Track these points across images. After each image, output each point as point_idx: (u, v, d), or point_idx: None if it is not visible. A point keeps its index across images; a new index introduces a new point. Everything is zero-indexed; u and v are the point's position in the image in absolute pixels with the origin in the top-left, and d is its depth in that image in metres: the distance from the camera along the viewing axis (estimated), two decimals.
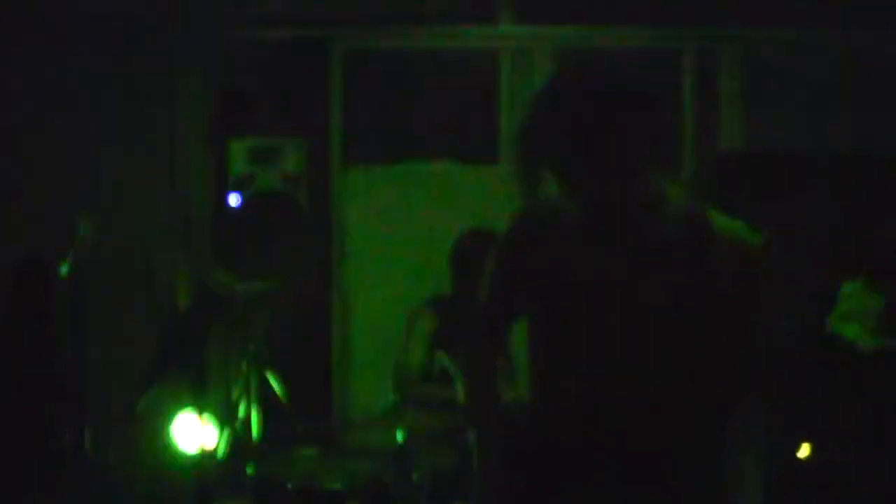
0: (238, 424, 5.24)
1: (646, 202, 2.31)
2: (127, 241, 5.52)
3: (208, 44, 5.72)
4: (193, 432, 4.47)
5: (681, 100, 5.80)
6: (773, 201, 5.04)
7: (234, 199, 5.32)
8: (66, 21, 5.55)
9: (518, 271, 2.45)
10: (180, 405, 4.40)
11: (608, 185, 2.28)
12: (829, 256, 4.91)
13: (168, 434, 4.84)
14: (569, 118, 2.25)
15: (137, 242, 5.58)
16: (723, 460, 2.33)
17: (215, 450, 5.02)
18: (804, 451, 4.13)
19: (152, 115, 5.66)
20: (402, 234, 5.68)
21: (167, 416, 4.75)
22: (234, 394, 5.27)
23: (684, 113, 5.78)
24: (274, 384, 5.26)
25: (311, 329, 5.74)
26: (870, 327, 4.75)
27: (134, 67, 5.58)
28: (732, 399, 2.37)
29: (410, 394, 3.82)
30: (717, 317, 2.30)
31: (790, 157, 5.32)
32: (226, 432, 5.16)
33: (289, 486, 3.68)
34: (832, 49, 5.78)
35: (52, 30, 5.55)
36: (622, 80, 2.27)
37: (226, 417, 5.20)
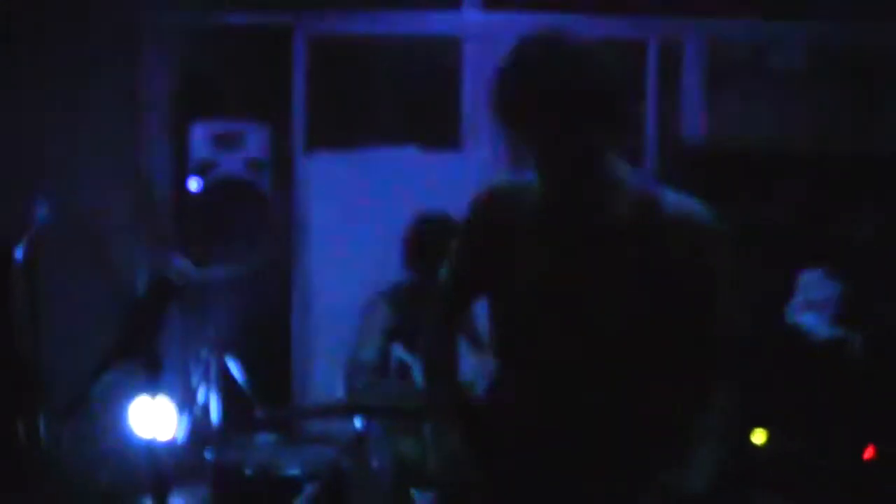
0: (197, 410, 5.23)
1: (604, 182, 2.31)
2: (85, 227, 5.46)
3: (170, 27, 5.67)
4: (150, 418, 4.44)
5: (645, 90, 5.81)
6: (736, 192, 5.07)
7: (194, 184, 5.29)
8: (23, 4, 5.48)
9: (479, 249, 2.46)
10: (136, 391, 4.37)
11: (569, 162, 2.27)
12: (788, 247, 4.94)
13: (124, 420, 4.81)
14: (534, 91, 2.22)
15: (96, 227, 5.52)
16: (678, 441, 2.34)
17: (174, 436, 5.00)
18: (759, 437, 4.17)
19: (113, 98, 5.60)
20: (366, 221, 5.66)
21: (123, 402, 4.72)
22: (194, 380, 5.25)
23: (647, 103, 5.79)
24: (234, 371, 5.25)
25: (272, 316, 5.71)
26: (828, 317, 4.79)
27: (93, 50, 5.51)
28: (689, 380, 2.38)
29: (364, 387, 3.78)
30: (671, 296, 2.31)
31: (752, 149, 5.36)
32: (185, 418, 5.14)
33: (247, 472, 3.66)
34: (795, 41, 5.81)
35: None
36: (588, 57, 2.25)
37: (185, 403, 5.18)
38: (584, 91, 2.20)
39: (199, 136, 5.39)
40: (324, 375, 5.48)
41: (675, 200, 2.34)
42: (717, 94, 5.78)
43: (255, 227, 5.26)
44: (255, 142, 5.42)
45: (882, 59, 5.79)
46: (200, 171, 5.34)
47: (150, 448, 3.20)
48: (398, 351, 3.94)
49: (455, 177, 5.48)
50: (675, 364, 2.37)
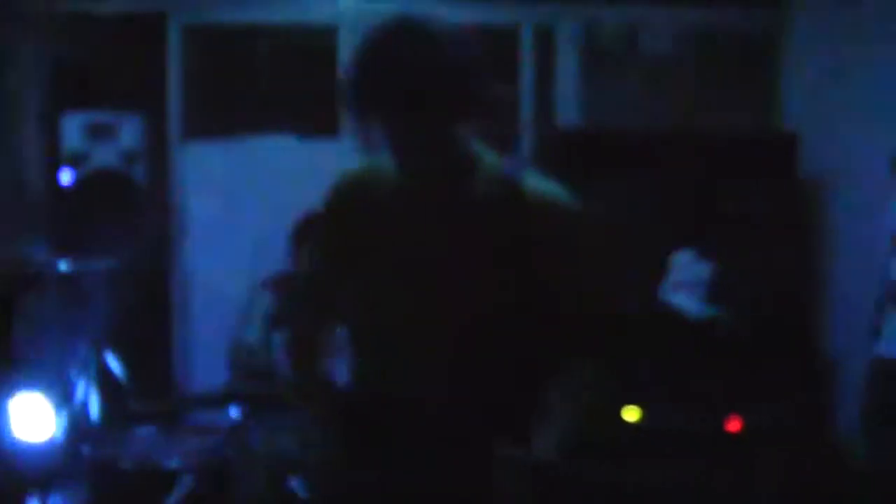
0: (76, 406, 5.14)
1: (459, 165, 2.34)
2: None
3: (41, 15, 5.55)
4: (25, 416, 4.37)
5: (518, 76, 5.87)
6: (609, 177, 5.16)
7: (66, 177, 5.20)
8: None
9: (338, 240, 2.47)
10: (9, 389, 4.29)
11: (420, 145, 2.29)
12: (662, 228, 5.05)
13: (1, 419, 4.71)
14: (389, 75, 2.24)
15: None
16: (534, 417, 2.38)
17: (52, 433, 4.91)
18: (632, 413, 4.27)
19: None
20: (243, 210, 5.63)
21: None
22: (72, 375, 5.16)
23: (522, 89, 5.86)
24: (113, 364, 5.17)
25: (151, 307, 5.65)
26: (699, 296, 4.92)
27: None
28: (545, 360, 2.42)
29: (246, 374, 3.79)
30: (528, 276, 2.34)
31: (626, 133, 5.45)
32: (63, 414, 5.06)
33: (124, 466, 3.63)
34: (667, 27, 5.93)
35: None
36: (440, 39, 2.27)
37: (63, 399, 5.09)
38: (434, 73, 2.22)
39: (71, 127, 5.29)
40: (204, 366, 5.45)
41: (533, 182, 2.37)
42: (590, 79, 5.87)
43: (129, 219, 5.19)
44: (129, 132, 5.35)
45: (745, 42, 5.95)
46: (73, 163, 5.25)
47: (27, 447, 3.16)
48: (279, 339, 3.95)
49: (334, 164, 5.46)
50: (534, 343, 2.41)
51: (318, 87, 5.89)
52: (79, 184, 5.23)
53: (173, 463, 3.62)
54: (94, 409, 5.17)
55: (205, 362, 5.46)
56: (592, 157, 5.14)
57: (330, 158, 5.76)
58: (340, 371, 2.96)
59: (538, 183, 2.38)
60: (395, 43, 2.26)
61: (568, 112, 5.84)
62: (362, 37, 2.32)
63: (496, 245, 2.33)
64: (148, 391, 5.14)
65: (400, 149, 2.31)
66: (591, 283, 2.43)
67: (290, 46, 5.94)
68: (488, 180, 2.35)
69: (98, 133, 5.29)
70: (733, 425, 4.31)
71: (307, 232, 4.03)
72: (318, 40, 5.90)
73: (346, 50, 5.81)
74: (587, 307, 2.42)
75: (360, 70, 2.28)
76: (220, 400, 3.83)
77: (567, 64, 5.86)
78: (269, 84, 5.95)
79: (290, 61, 5.95)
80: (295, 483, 3.55)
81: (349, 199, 2.44)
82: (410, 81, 2.22)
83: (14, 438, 4.53)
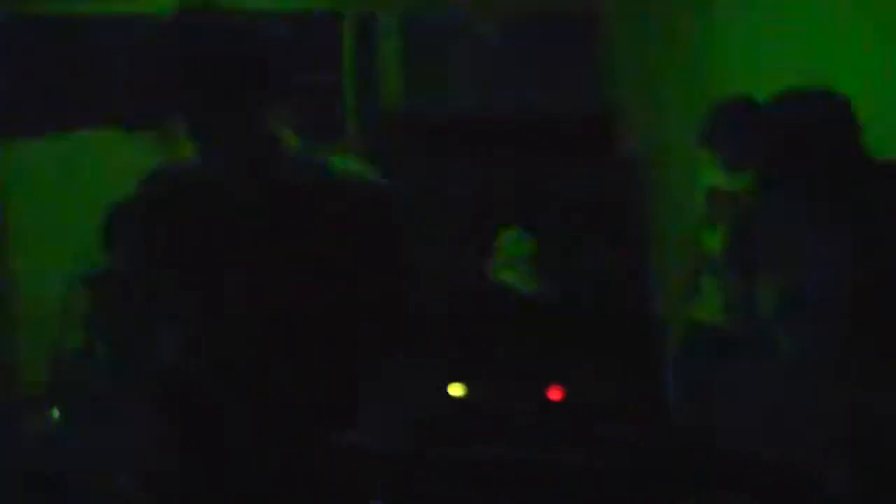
0: None
1: (264, 152, 2.36)
2: None
3: None
4: None
5: (342, 63, 5.88)
6: (435, 159, 5.23)
7: None
8: None
9: (152, 235, 2.46)
10: None
11: (224, 135, 2.31)
12: (488, 207, 5.15)
13: None
14: (185, 67, 2.26)
15: None
16: (363, 403, 2.42)
17: None
18: (457, 390, 4.35)
19: None
20: (69, 207, 5.51)
21: None
22: None
23: (345, 75, 5.87)
24: None
25: None
26: (527, 272, 5.04)
27: None
28: (368, 345, 2.46)
29: (69, 374, 3.74)
30: (344, 260, 2.38)
31: (451, 115, 5.54)
32: None
33: None
34: (493, 10, 6.01)
35: None
36: (239, 28, 2.29)
37: None
38: (230, 63, 2.24)
39: None
40: (31, 369, 5.34)
41: (340, 164, 2.41)
42: (415, 63, 5.92)
43: None
44: None
45: (570, 23, 6.08)
46: None
47: None
48: (100, 335, 3.90)
49: (159, 157, 5.40)
50: (357, 328, 2.44)
51: (143, 80, 5.80)
52: None
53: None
54: None
55: (31, 364, 5.34)
56: (417, 140, 5.22)
57: (156, 152, 5.73)
58: (168, 360, 2.95)
59: (345, 165, 2.42)
60: (191, 34, 2.27)
61: (393, 97, 5.88)
62: (157, 28, 2.32)
63: (307, 230, 2.36)
64: None
65: (202, 138, 2.32)
66: (398, 264, 2.48)
67: (116, 37, 5.83)
68: (293, 164, 2.38)
69: None
70: (555, 394, 4.43)
71: (119, 228, 3.98)
72: (144, 30, 5.80)
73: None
74: (402, 288, 2.47)
75: (158, 63, 2.28)
76: (44, 402, 3.77)
77: (391, 49, 5.89)
78: (92, 76, 5.84)
79: (115, 53, 5.84)
80: (125, 480, 3.52)
81: (158, 191, 2.45)
82: (206, 73, 2.23)
83: None
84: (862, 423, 2.38)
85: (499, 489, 2.80)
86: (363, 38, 5.88)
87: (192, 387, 2.49)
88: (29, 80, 5.70)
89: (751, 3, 4.90)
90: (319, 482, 2.35)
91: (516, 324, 4.86)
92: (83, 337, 3.88)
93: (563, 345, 4.77)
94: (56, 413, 3.62)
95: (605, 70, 5.98)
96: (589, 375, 4.69)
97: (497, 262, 5.05)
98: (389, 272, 2.46)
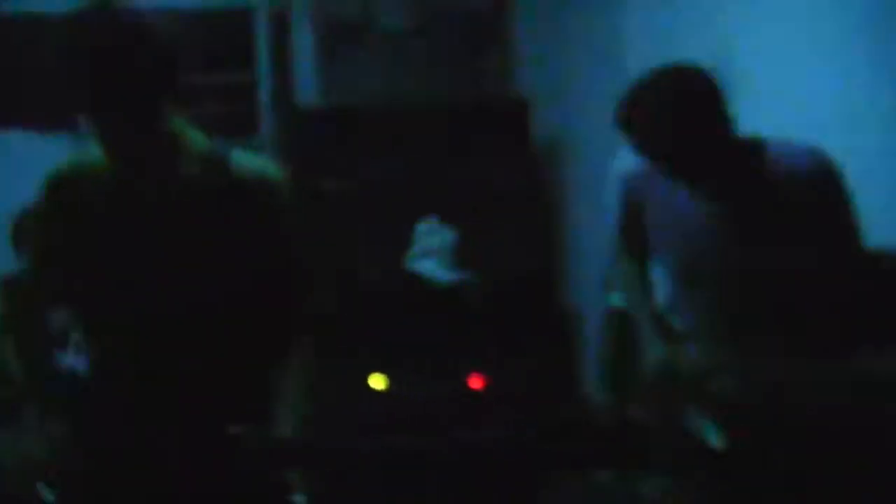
0: None
1: (165, 148, 2.37)
2: None
3: None
4: None
5: (255, 58, 5.87)
6: (350, 151, 5.25)
7: None
8: None
9: (55, 236, 2.46)
10: None
11: (125, 133, 2.32)
12: (404, 199, 5.18)
13: None
14: (84, 65, 2.26)
15: None
16: (267, 399, 2.44)
17: None
18: (378, 381, 4.39)
19: None
20: None
21: None
22: None
23: (259, 70, 5.86)
24: None
25: None
26: (444, 262, 5.09)
27: None
28: (273, 340, 2.47)
29: None
30: (246, 255, 2.39)
31: (365, 108, 5.55)
32: None
33: None
34: (403, 1, 6.03)
35: None
36: (134, 27, 2.30)
37: None
38: (126, 59, 2.25)
39: None
40: None
41: (240, 158, 2.43)
42: (329, 57, 5.92)
43: None
44: None
45: (479, 13, 6.12)
46: None
47: None
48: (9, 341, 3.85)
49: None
50: (259, 326, 2.45)
51: (55, 79, 5.72)
52: None
53: None
54: None
55: None
56: (332, 134, 5.23)
57: (66, 153, 5.66)
58: (77, 362, 2.93)
59: (245, 159, 2.44)
60: (88, 32, 2.28)
61: (307, 90, 5.88)
62: (59, 26, 2.33)
63: (209, 225, 2.37)
64: None
65: (104, 137, 2.33)
66: (302, 259, 2.50)
67: (22, 37, 5.74)
68: (195, 161, 2.38)
69: None
70: (475, 383, 4.50)
71: (26, 229, 3.95)
72: (55, 29, 5.72)
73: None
74: (302, 281, 2.50)
75: (61, 62, 2.29)
76: None
77: (304, 43, 5.89)
78: (6, 77, 5.75)
79: (22, 53, 5.76)
80: (43, 488, 3.48)
81: (62, 192, 2.43)
82: (103, 71, 2.24)
83: None
84: (745, 389, 2.45)
85: (420, 478, 2.84)
86: (276, 32, 5.87)
87: (99, 388, 2.50)
88: None
89: None
90: (235, 480, 2.35)
91: (435, 313, 4.91)
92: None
93: (481, 333, 4.83)
94: None
95: (514, 58, 6.02)
96: (507, 364, 4.77)
97: (415, 253, 5.10)
98: (290, 267, 2.48)
